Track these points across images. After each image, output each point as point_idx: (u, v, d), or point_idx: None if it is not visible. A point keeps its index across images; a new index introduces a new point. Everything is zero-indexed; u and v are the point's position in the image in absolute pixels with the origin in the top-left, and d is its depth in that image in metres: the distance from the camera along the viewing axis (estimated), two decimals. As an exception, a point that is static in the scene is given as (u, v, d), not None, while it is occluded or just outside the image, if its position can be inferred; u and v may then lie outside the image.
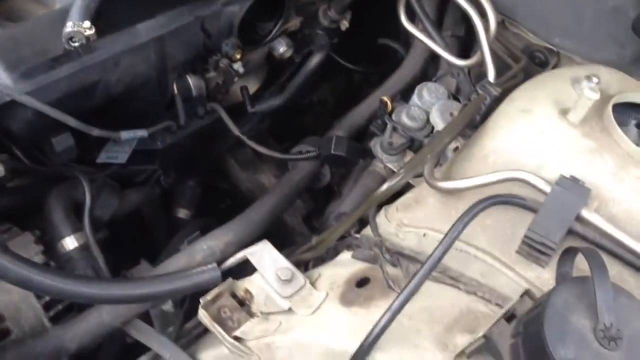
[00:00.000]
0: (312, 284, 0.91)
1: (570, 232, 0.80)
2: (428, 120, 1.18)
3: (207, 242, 1.06)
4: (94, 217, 1.13)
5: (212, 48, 1.21)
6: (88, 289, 0.87)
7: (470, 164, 0.94)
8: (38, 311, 0.98)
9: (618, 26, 1.16)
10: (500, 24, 1.26)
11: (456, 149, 1.07)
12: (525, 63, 1.20)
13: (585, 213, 0.80)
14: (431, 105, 1.19)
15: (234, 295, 0.91)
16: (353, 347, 0.76)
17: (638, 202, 0.82)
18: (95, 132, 1.04)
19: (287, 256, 0.95)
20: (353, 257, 0.97)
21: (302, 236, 1.39)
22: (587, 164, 0.85)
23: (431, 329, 0.79)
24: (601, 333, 0.64)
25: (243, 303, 0.91)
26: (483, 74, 1.12)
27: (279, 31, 1.33)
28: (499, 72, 1.12)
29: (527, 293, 0.76)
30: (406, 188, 1.03)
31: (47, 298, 0.99)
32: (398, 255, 0.92)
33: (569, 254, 0.75)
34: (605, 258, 0.70)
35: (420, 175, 0.98)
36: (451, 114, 1.15)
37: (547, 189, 0.81)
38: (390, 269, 0.90)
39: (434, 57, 1.40)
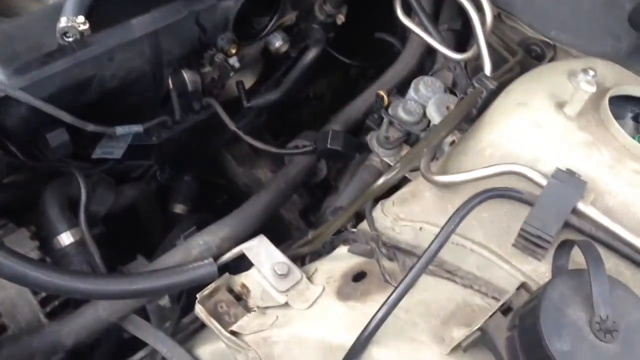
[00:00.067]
0: (309, 278, 0.91)
1: (567, 225, 0.80)
2: (424, 114, 1.18)
3: (203, 237, 1.06)
4: (90, 212, 1.12)
5: (208, 43, 1.20)
6: (84, 285, 0.87)
7: (467, 157, 0.94)
8: (34, 307, 0.98)
9: (614, 19, 1.16)
10: (497, 17, 1.25)
11: (453, 142, 1.07)
12: (522, 56, 1.20)
13: (582, 206, 0.80)
14: (427, 99, 1.18)
15: (230, 290, 0.91)
16: (350, 341, 0.76)
17: (634, 194, 0.82)
18: (90, 127, 1.04)
19: (284, 251, 0.95)
20: (349, 251, 0.97)
21: (299, 231, 1.39)
22: (584, 157, 0.85)
23: (428, 322, 0.79)
24: (597, 325, 0.64)
25: (240, 298, 0.91)
26: (479, 68, 1.12)
27: (274, 25, 1.33)
28: (495, 66, 1.12)
29: (523, 286, 0.76)
30: (403, 182, 1.03)
31: (44, 294, 0.99)
32: (394, 249, 0.92)
33: (565, 246, 0.75)
34: (601, 251, 0.70)
35: (416, 169, 0.98)
36: (447, 108, 1.15)
37: (544, 182, 0.81)
38: (386, 263, 0.90)
39: (430, 51, 1.40)
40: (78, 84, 1.01)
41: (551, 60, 1.23)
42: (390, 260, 0.91)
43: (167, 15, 1.08)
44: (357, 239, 0.97)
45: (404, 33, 1.50)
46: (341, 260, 0.96)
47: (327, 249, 1.02)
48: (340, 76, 1.78)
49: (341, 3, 1.41)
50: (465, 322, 0.77)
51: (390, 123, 1.18)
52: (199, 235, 1.08)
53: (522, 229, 0.81)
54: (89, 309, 0.99)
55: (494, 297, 0.82)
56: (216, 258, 0.97)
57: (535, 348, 0.64)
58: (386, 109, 1.19)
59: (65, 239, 1.07)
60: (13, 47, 0.98)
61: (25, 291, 0.98)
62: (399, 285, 0.76)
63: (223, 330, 0.85)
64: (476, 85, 1.04)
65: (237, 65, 1.27)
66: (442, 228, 0.78)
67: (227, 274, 0.92)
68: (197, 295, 0.88)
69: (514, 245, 0.83)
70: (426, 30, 1.26)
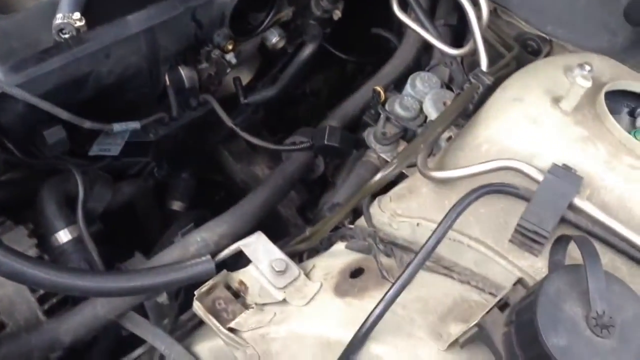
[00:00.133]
0: (307, 275, 0.91)
1: (563, 221, 0.81)
2: (421, 109, 1.18)
3: (201, 234, 1.06)
4: (88, 209, 1.12)
5: (204, 39, 1.20)
6: (82, 282, 0.87)
7: (464, 153, 0.94)
8: (32, 304, 0.98)
9: (610, 13, 1.16)
10: (493, 12, 1.25)
11: (449, 138, 1.07)
12: (518, 51, 1.20)
13: (578, 201, 0.80)
14: (424, 95, 1.18)
15: (228, 287, 0.91)
16: (347, 337, 0.76)
17: (630, 189, 0.82)
18: (87, 124, 1.04)
19: (281, 247, 0.95)
20: (347, 247, 0.97)
21: (297, 227, 1.40)
22: (580, 152, 0.85)
23: (425, 318, 0.79)
24: (593, 321, 0.64)
25: (238, 295, 0.91)
26: (476, 63, 1.12)
27: (271, 21, 1.32)
28: (491, 61, 1.11)
29: (520, 282, 0.76)
30: (400, 178, 1.03)
31: (42, 291, 0.99)
32: (392, 246, 0.92)
33: (561, 242, 0.75)
34: (598, 246, 0.70)
35: (413, 165, 0.98)
36: (444, 104, 1.15)
37: (540, 177, 0.81)
38: (384, 259, 0.90)
39: (427, 47, 1.40)
40: (75, 80, 1.01)
41: (547, 55, 1.23)
42: (388, 257, 0.91)
43: (163, 11, 1.08)
44: (355, 235, 0.97)
45: (400, 29, 1.50)
46: (339, 257, 0.96)
47: (324, 246, 1.03)
48: (337, 72, 1.78)
49: (337, -1, 1.41)
50: (463, 318, 0.78)
51: (387, 119, 1.18)
52: (196, 232, 1.08)
53: (518, 225, 0.81)
54: (87, 306, 0.99)
55: (491, 293, 0.82)
56: (214, 255, 0.98)
57: (532, 343, 0.64)
58: (383, 104, 1.19)
59: (63, 236, 1.07)
60: (9, 43, 0.98)
61: (24, 289, 0.98)
62: (396, 281, 0.76)
63: (221, 327, 0.86)
64: (472, 80, 1.04)
65: (233, 61, 1.27)
66: (439, 224, 0.79)
67: (224, 271, 0.92)
68: (195, 292, 0.88)
69: (510, 240, 0.83)
70: (422, 25, 1.26)
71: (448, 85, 1.23)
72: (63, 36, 0.98)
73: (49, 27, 0.97)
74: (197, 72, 1.24)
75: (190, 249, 1.05)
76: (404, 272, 0.76)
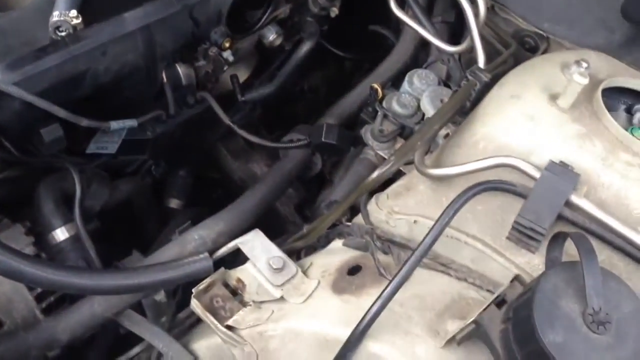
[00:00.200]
0: (304, 272, 0.91)
1: (560, 218, 0.81)
2: (419, 107, 1.18)
3: (198, 232, 1.06)
4: (85, 208, 1.12)
5: (201, 36, 1.20)
6: (80, 280, 0.87)
7: (461, 150, 0.94)
8: (30, 303, 0.98)
9: (607, 10, 1.16)
10: (490, 9, 1.25)
11: (447, 135, 1.07)
12: (515, 48, 1.20)
13: (575, 198, 0.80)
14: (422, 92, 1.18)
15: (226, 285, 0.91)
16: (345, 334, 0.76)
17: (627, 186, 0.82)
18: (84, 122, 1.03)
19: (279, 245, 0.95)
20: (344, 245, 0.97)
21: (295, 225, 1.40)
22: (577, 149, 0.85)
23: (422, 315, 0.79)
24: (590, 317, 0.64)
25: (235, 292, 0.91)
26: (474, 60, 1.12)
27: (268, 19, 1.32)
28: (489, 58, 1.12)
29: (517, 278, 0.77)
30: (397, 175, 1.03)
31: (39, 290, 0.99)
32: (389, 243, 0.92)
33: (558, 239, 0.75)
34: (595, 243, 0.70)
35: (411, 162, 0.98)
36: (442, 101, 1.15)
37: (537, 174, 0.82)
38: (381, 257, 0.90)
39: (424, 44, 1.40)
40: (71, 78, 1.01)
41: (544, 52, 1.23)
42: (385, 254, 0.91)
43: (160, 9, 1.08)
44: (352, 232, 0.97)
45: (398, 26, 1.50)
46: (336, 254, 0.96)
47: (322, 243, 1.03)
48: (334, 69, 1.78)
49: (334, -5, 1.41)
50: (460, 315, 0.78)
51: (385, 116, 1.19)
52: (194, 229, 1.08)
53: (515, 222, 0.81)
54: (85, 304, 0.99)
55: (488, 290, 0.82)
56: (211, 252, 0.98)
57: (529, 340, 0.65)
58: (380, 102, 1.19)
59: (60, 234, 1.07)
60: (6, 41, 0.98)
61: (21, 287, 0.98)
62: (393, 278, 0.76)
63: (219, 325, 0.86)
64: (470, 77, 1.04)
65: (231, 58, 1.27)
66: (437, 221, 0.79)
67: (222, 269, 0.92)
68: (193, 290, 0.88)
69: (507, 237, 0.83)
70: (420, 22, 1.26)
71: (445, 82, 1.24)
72: (60, 34, 0.97)
73: (45, 24, 0.97)
74: (194, 69, 1.24)
75: (187, 246, 1.05)
76: (401, 269, 0.76)
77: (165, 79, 1.19)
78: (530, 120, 0.89)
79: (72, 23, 0.97)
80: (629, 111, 0.96)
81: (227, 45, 1.23)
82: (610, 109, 0.90)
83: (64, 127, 1.03)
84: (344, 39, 1.61)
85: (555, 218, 0.80)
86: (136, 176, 1.37)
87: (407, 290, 0.77)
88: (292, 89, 1.68)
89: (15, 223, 1.05)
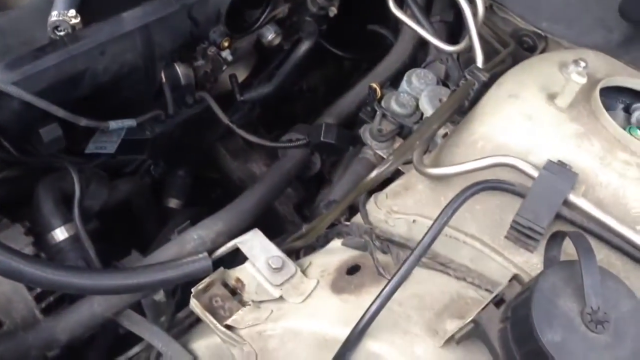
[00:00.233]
0: (303, 272, 0.91)
1: (558, 217, 0.81)
2: (417, 106, 1.18)
3: (197, 232, 1.07)
4: (84, 207, 1.12)
5: (200, 36, 1.20)
6: (79, 280, 0.87)
7: (459, 149, 0.94)
8: (29, 303, 0.98)
9: (605, 10, 1.16)
10: (488, 8, 1.25)
11: (445, 135, 1.07)
12: (514, 48, 1.20)
13: (573, 197, 0.81)
14: (420, 92, 1.18)
15: (225, 285, 0.91)
16: (344, 334, 0.76)
17: (625, 186, 0.83)
18: (83, 122, 1.03)
19: (278, 244, 0.95)
20: (343, 244, 0.98)
21: (294, 225, 1.40)
22: (575, 149, 0.85)
23: (421, 315, 0.79)
24: (588, 316, 0.64)
25: (234, 292, 0.91)
26: (472, 60, 1.12)
27: (267, 18, 1.32)
28: (487, 57, 1.12)
29: (515, 278, 0.77)
30: (396, 175, 1.03)
31: (39, 290, 0.99)
32: (388, 242, 0.92)
33: (556, 238, 0.75)
34: (593, 242, 0.70)
35: (409, 161, 0.98)
36: (440, 100, 1.15)
37: (535, 174, 0.82)
38: (380, 256, 0.90)
39: (422, 43, 1.40)
40: (70, 78, 1.01)
41: (543, 51, 1.24)
42: (384, 253, 0.91)
43: (158, 9, 1.08)
44: (351, 232, 0.97)
45: (396, 25, 1.50)
46: (335, 254, 0.96)
47: (321, 243, 1.03)
48: (333, 69, 1.78)
49: (333, -5, 1.41)
50: (459, 314, 0.78)
51: (383, 116, 1.19)
52: (193, 229, 1.08)
53: (514, 221, 0.81)
54: (84, 304, 0.99)
55: (487, 289, 0.82)
56: (210, 252, 0.98)
57: (528, 339, 0.65)
58: (379, 101, 1.19)
59: (60, 234, 1.07)
60: (4, 41, 0.98)
61: (20, 287, 0.98)
62: (392, 278, 0.76)
63: (218, 325, 0.86)
64: (468, 77, 1.04)
65: (229, 58, 1.27)
66: (435, 220, 0.79)
67: (221, 268, 0.92)
68: (192, 290, 0.88)
69: (506, 237, 0.83)
70: (418, 22, 1.26)
71: (444, 81, 1.24)
72: (58, 33, 0.98)
73: (44, 24, 0.97)
74: (193, 69, 1.24)
75: (186, 246, 1.05)
76: (400, 268, 0.76)
77: (164, 79, 1.19)
78: (529, 120, 0.89)
79: (71, 23, 0.97)
80: (627, 110, 0.96)
81: (225, 44, 1.23)
82: (609, 108, 0.90)
83: (63, 127, 1.03)
84: (343, 38, 1.61)
85: (554, 217, 0.80)
86: (135, 176, 1.37)
87: (406, 289, 0.78)
88: (291, 89, 1.68)
89: (15, 223, 1.05)
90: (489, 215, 0.86)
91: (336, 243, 0.99)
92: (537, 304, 0.65)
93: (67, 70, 0.99)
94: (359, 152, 1.25)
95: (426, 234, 0.78)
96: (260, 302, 0.88)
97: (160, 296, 1.04)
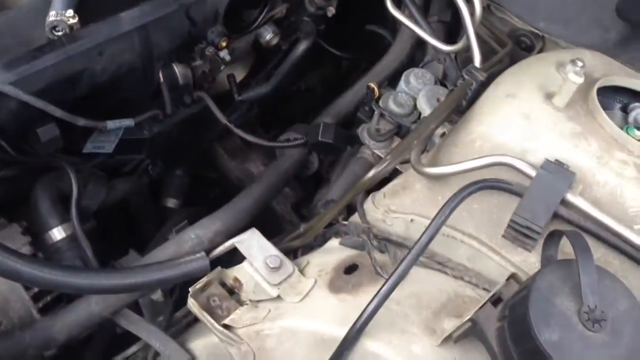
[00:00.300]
0: (301, 271, 0.91)
1: (556, 216, 0.81)
2: (415, 106, 1.18)
3: (195, 231, 1.07)
4: (82, 207, 1.12)
5: (198, 36, 1.20)
6: (76, 280, 0.87)
7: (457, 149, 0.94)
8: (27, 302, 0.98)
9: (602, 9, 1.16)
10: (486, 8, 1.25)
11: (443, 134, 1.07)
12: (511, 48, 1.20)
13: (570, 197, 0.81)
14: (418, 91, 1.18)
15: (223, 284, 0.91)
16: (341, 333, 0.76)
17: (622, 185, 0.83)
18: (81, 122, 1.03)
19: (276, 244, 0.95)
20: (341, 244, 0.98)
21: (291, 224, 1.40)
22: (572, 148, 0.85)
23: (419, 314, 0.79)
24: (585, 315, 0.64)
25: (232, 291, 0.91)
26: (470, 59, 1.12)
27: (265, 18, 1.32)
28: (485, 57, 1.12)
29: (513, 277, 0.77)
30: (393, 174, 1.03)
31: (36, 289, 0.99)
32: (386, 242, 0.92)
33: (553, 237, 0.75)
34: (590, 241, 0.70)
35: (407, 161, 0.98)
36: (438, 100, 1.15)
37: (533, 173, 0.82)
38: (378, 255, 0.90)
39: (420, 43, 1.40)
40: (68, 78, 1.01)
41: (540, 51, 1.24)
42: (382, 253, 0.91)
43: (156, 9, 1.08)
44: (349, 231, 0.97)
45: (394, 25, 1.50)
46: (333, 253, 0.96)
47: (318, 242, 1.03)
48: (331, 68, 1.78)
49: (331, -5, 1.41)
50: (456, 313, 0.78)
51: (381, 115, 1.19)
52: (190, 229, 1.08)
53: (511, 220, 0.81)
54: (82, 304, 0.99)
55: (484, 288, 0.82)
56: (208, 252, 0.98)
57: (525, 338, 0.65)
58: (377, 101, 1.19)
59: (57, 234, 1.07)
60: (2, 41, 0.98)
61: (18, 287, 0.98)
62: (390, 277, 0.76)
63: (216, 324, 0.86)
64: (466, 76, 1.04)
65: (227, 58, 1.27)
66: (433, 220, 0.79)
67: (219, 268, 0.92)
68: (190, 289, 0.88)
69: (503, 236, 0.83)
70: (416, 22, 1.26)
71: (442, 81, 1.24)
72: (56, 34, 0.98)
73: (42, 24, 0.97)
74: (191, 69, 1.24)
75: (184, 246, 1.05)
76: (397, 268, 0.76)
77: (162, 79, 1.19)
78: (526, 119, 0.89)
79: (69, 23, 0.97)
80: (624, 110, 0.96)
81: (224, 44, 1.23)
82: (606, 107, 0.90)
83: (61, 127, 1.03)
84: (341, 38, 1.61)
85: (551, 216, 0.80)
86: (133, 176, 1.37)
87: (404, 288, 0.78)
88: (289, 89, 1.68)
89: (12, 223, 1.05)
90: (486, 215, 0.86)
91: (334, 242, 0.99)
92: (535, 303, 0.65)
93: (65, 70, 0.99)
94: (357, 151, 1.25)
95: (424, 233, 0.78)
96: (258, 301, 0.88)
97: (157, 295, 1.04)
